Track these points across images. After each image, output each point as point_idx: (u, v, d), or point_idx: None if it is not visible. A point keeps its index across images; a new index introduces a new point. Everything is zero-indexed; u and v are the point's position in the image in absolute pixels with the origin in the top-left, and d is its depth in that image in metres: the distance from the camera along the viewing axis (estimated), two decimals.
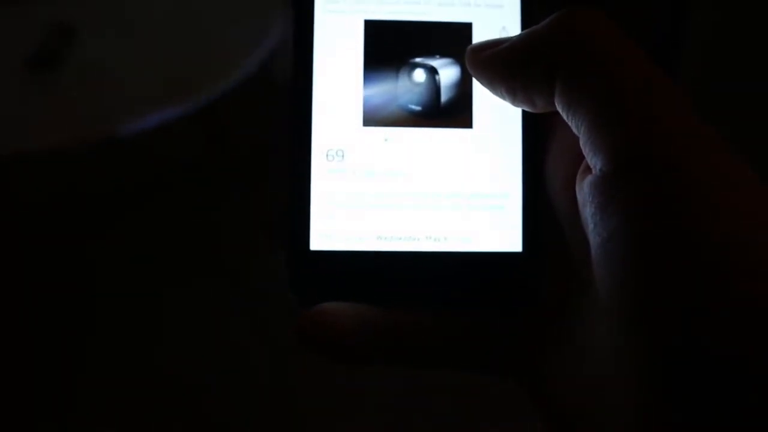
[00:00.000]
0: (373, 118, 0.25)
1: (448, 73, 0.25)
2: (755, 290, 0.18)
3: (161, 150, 1.10)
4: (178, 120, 0.83)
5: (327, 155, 0.25)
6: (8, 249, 1.09)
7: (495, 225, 0.25)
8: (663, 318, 0.18)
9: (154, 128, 0.81)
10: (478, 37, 0.25)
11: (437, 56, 0.25)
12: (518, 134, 0.25)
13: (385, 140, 0.25)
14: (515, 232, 0.25)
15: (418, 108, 0.25)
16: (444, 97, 0.25)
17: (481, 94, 0.25)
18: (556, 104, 0.22)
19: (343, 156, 0.25)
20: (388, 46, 0.25)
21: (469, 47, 0.24)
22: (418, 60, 0.25)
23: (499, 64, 0.23)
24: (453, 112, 0.25)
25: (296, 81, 0.25)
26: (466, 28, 0.25)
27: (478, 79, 0.24)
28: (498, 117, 0.25)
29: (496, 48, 0.23)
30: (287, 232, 0.24)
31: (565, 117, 0.22)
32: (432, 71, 0.25)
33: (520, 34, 0.23)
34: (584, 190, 0.21)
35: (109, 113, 0.84)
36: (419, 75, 0.25)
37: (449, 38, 0.25)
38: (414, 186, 0.25)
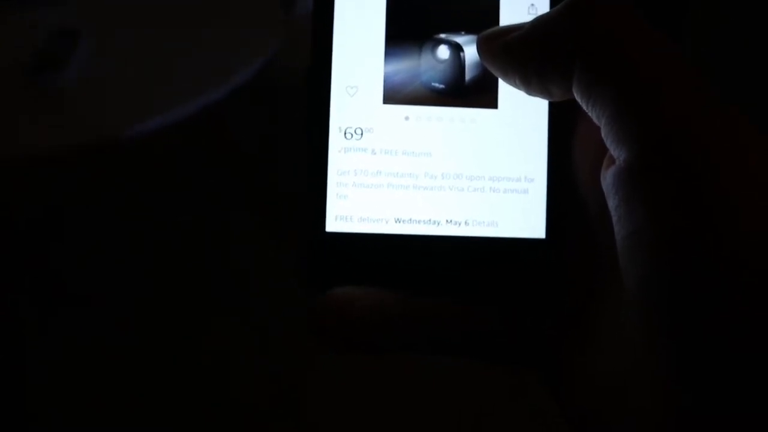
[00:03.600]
0: (393, 95, 0.24)
1: (473, 50, 0.23)
2: None
3: (164, 155, 1.10)
4: (180, 125, 0.82)
5: (345, 133, 0.24)
6: (9, 253, 1.08)
7: (518, 210, 0.24)
8: (691, 315, 0.18)
9: (156, 133, 0.81)
10: (506, 12, 0.24)
11: (462, 32, 0.24)
12: (545, 116, 0.24)
13: (406, 119, 0.24)
14: (539, 218, 0.24)
15: (442, 86, 0.24)
16: (468, 75, 0.24)
17: None
18: (575, 94, 0.21)
19: (361, 134, 0.24)
20: (411, 21, 0.24)
21: (481, 35, 0.23)
22: (442, 36, 0.24)
23: (513, 53, 0.22)
24: (478, 91, 0.24)
25: (315, 56, 0.24)
26: (493, 3, 0.24)
27: (490, 69, 0.23)
28: (524, 98, 0.24)
29: (508, 36, 0.22)
30: (302, 213, 0.23)
31: (584, 107, 0.21)
32: (457, 48, 0.24)
33: (533, 21, 0.22)
34: (608, 181, 0.20)
35: (112, 118, 0.84)
36: (443, 52, 0.24)
37: (475, 14, 0.24)
38: (435, 167, 0.24)
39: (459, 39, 0.24)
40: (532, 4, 0.24)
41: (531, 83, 0.22)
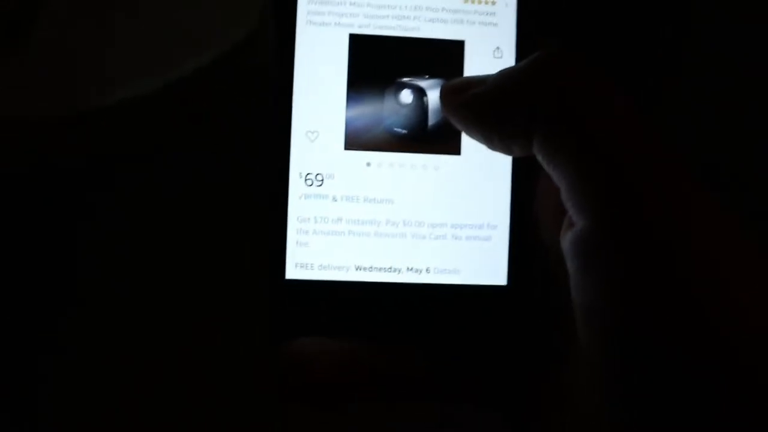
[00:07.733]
0: (355, 141, 0.23)
1: (437, 95, 0.23)
2: (746, 364, 0.17)
3: (135, 125, 1.08)
4: (151, 96, 0.81)
5: (306, 179, 0.23)
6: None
7: (480, 257, 0.24)
8: (645, 394, 0.18)
9: (125, 103, 0.80)
10: (471, 56, 0.24)
11: (426, 76, 0.23)
12: (508, 164, 0.24)
13: (368, 165, 0.23)
14: (501, 265, 0.24)
15: (404, 131, 0.24)
16: (432, 120, 0.23)
17: None
18: (535, 154, 0.20)
19: (322, 181, 0.23)
20: (374, 63, 0.24)
21: (443, 87, 0.23)
22: (405, 80, 0.23)
23: (475, 109, 0.21)
24: (441, 137, 0.24)
25: (275, 99, 0.23)
26: (457, 47, 0.24)
27: (452, 123, 0.22)
28: None
29: (470, 91, 0.22)
30: (262, 260, 0.23)
31: (545, 167, 0.20)
32: (420, 92, 0.23)
33: (495, 77, 0.21)
34: (567, 245, 0.20)
35: (79, 87, 0.83)
36: (406, 96, 0.23)
37: (440, 57, 0.24)
38: (396, 214, 0.23)
39: (422, 83, 0.23)
40: (498, 47, 0.24)
41: (493, 140, 0.21)
